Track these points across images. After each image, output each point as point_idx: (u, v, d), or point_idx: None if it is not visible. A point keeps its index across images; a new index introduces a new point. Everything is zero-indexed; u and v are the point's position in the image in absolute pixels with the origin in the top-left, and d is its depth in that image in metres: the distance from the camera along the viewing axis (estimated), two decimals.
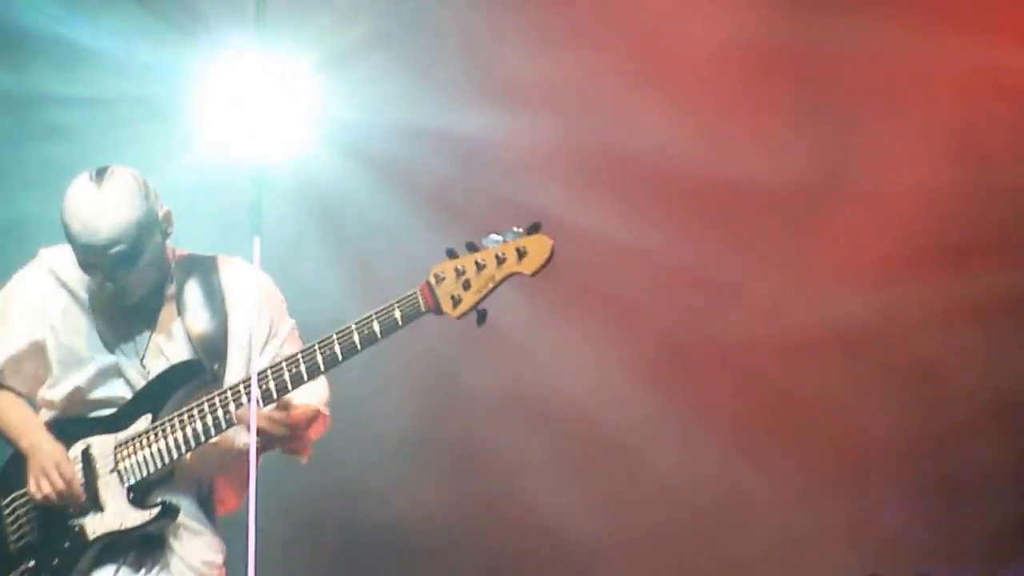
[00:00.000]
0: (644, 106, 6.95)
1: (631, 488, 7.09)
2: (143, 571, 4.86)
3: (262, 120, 6.65)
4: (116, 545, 4.84)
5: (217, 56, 6.74)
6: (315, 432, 4.92)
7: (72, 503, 4.82)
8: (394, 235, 6.88)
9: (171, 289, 4.89)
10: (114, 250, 4.69)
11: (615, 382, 7.02)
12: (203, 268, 4.93)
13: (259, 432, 4.71)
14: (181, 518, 4.84)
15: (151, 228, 4.76)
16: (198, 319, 4.86)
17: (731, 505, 6.97)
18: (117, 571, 4.84)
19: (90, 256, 4.72)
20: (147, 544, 4.85)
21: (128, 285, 4.77)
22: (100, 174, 4.74)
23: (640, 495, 7.05)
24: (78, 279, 4.90)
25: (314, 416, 4.84)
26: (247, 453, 4.85)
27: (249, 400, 4.69)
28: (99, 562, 4.84)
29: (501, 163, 7.03)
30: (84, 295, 4.91)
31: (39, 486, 4.81)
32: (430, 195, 6.93)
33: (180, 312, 4.88)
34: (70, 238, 4.74)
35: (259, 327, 4.87)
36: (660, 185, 7.00)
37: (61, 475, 4.79)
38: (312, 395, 4.86)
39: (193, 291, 4.89)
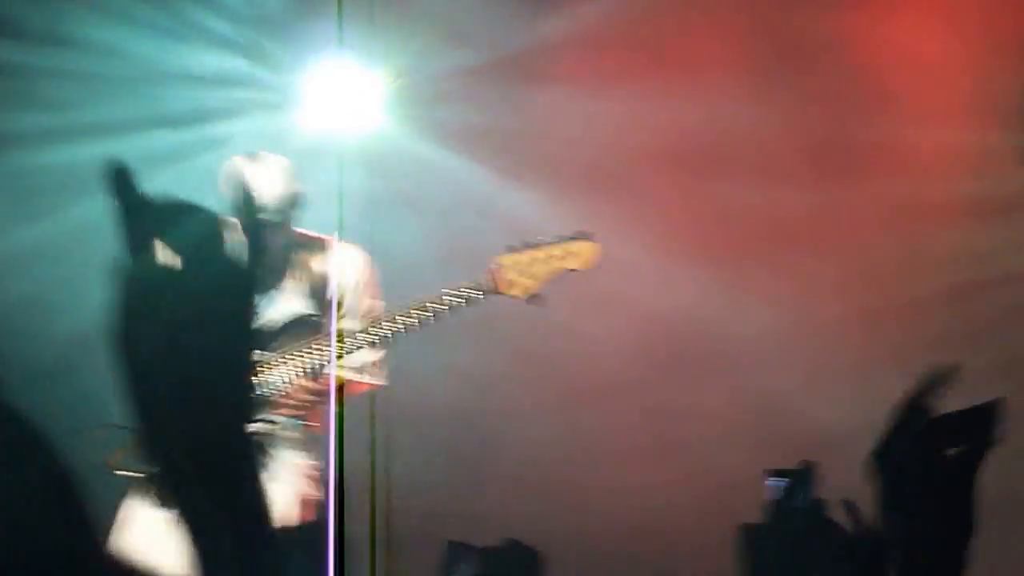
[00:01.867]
0: None
1: None
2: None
3: (345, 114, 7.21)
4: None
5: (306, 60, 7.29)
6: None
7: None
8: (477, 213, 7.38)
9: (293, 257, 5.66)
10: (269, 218, 5.55)
11: None
12: (318, 246, 5.71)
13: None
14: (279, 431, 5.51)
15: (297, 204, 5.64)
16: (311, 286, 5.64)
17: None
18: None
19: (249, 219, 5.49)
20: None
21: (268, 249, 5.54)
22: (256, 156, 5.63)
23: None
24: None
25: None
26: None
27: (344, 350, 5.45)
28: None
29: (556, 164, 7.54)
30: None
31: None
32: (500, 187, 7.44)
33: (297, 278, 5.64)
34: (238, 207, 5.51)
35: (360, 303, 5.66)
36: None
37: None
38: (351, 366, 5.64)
39: (309, 263, 5.66)
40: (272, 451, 5.51)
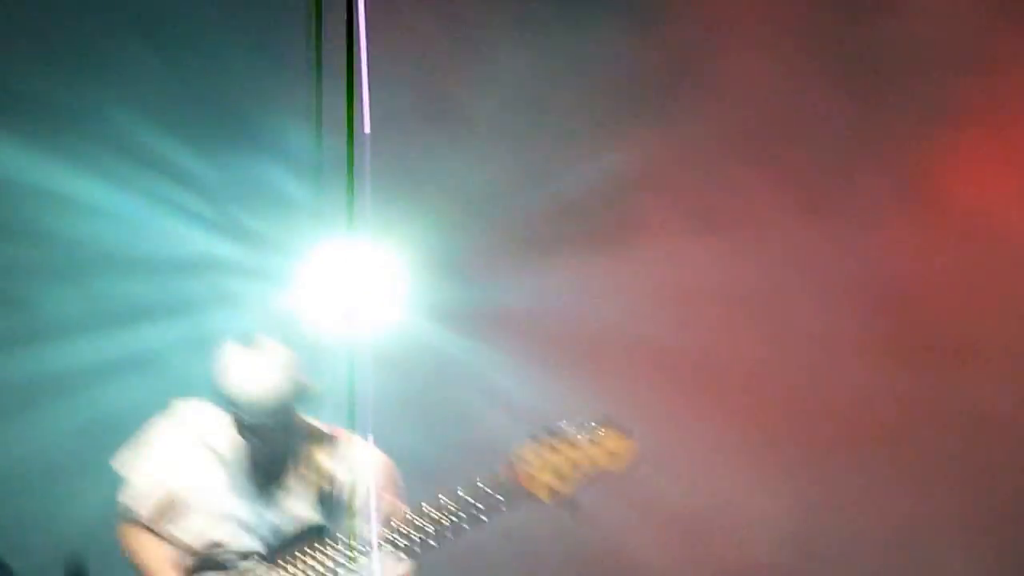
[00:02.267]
0: None
1: None
2: None
3: (356, 303, 6.87)
4: None
5: (316, 242, 6.97)
6: None
7: None
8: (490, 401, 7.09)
9: (302, 452, 5.24)
10: (272, 421, 5.10)
11: None
12: (328, 439, 5.31)
13: None
14: None
15: (300, 398, 5.17)
16: (323, 485, 5.20)
17: None
18: None
19: (253, 418, 5.09)
20: None
21: (276, 444, 5.14)
22: (255, 345, 5.17)
23: None
24: (220, 438, 5.25)
25: None
26: None
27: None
28: None
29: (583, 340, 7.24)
30: (220, 450, 5.25)
31: None
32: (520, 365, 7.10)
33: (307, 477, 5.22)
34: (233, 402, 5.12)
35: (367, 502, 5.18)
36: None
37: None
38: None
39: (320, 459, 5.23)
40: None
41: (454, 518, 4.92)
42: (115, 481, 5.38)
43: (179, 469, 5.27)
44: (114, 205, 7.10)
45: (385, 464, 5.30)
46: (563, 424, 4.89)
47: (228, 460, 5.24)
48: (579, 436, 4.85)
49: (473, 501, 4.90)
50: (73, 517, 7.05)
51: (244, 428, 5.13)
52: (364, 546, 5.00)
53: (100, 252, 7.12)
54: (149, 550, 5.27)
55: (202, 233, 7.20)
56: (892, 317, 7.28)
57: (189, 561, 5.24)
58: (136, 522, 5.30)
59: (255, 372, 5.08)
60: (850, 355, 7.27)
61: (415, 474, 5.47)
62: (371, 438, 5.25)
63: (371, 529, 5.08)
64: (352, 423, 5.88)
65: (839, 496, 7.25)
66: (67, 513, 7.13)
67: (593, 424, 4.87)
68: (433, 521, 4.95)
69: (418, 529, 4.97)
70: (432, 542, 4.95)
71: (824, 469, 7.29)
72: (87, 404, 7.06)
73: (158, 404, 5.50)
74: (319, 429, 5.31)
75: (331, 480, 5.21)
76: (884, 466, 7.26)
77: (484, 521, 4.91)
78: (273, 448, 5.16)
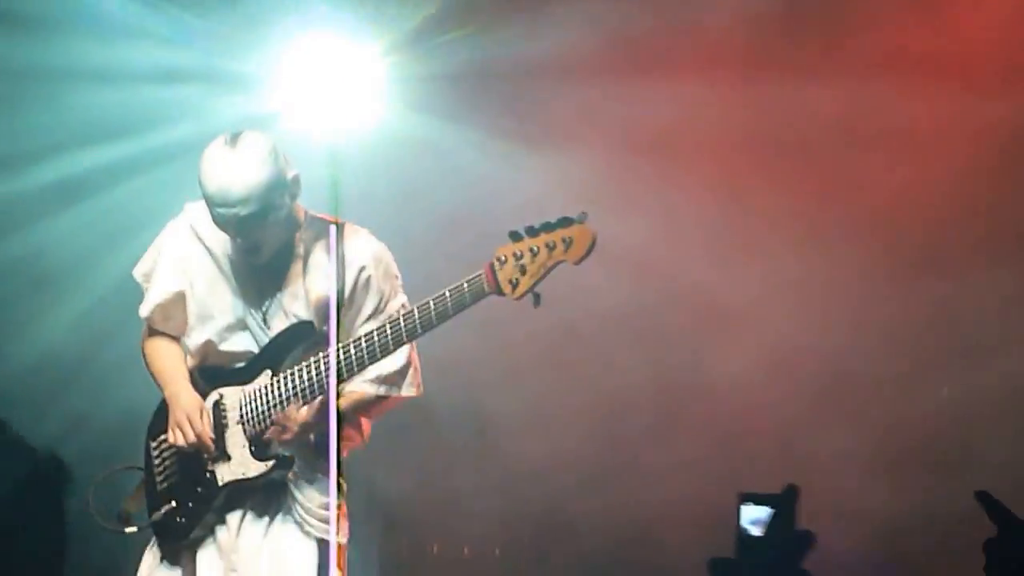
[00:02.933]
0: None
1: None
2: (267, 516, 5.25)
3: (338, 98, 6.93)
4: (242, 491, 5.24)
5: (295, 35, 6.97)
6: (375, 414, 5.34)
7: (204, 452, 5.23)
8: (468, 204, 7.09)
9: (300, 248, 5.24)
10: (244, 211, 5.00)
11: None
12: (326, 229, 5.25)
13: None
14: (298, 468, 5.20)
15: (280, 190, 5.07)
16: (318, 282, 5.21)
17: None
18: (244, 515, 5.26)
19: (223, 215, 5.04)
20: (271, 490, 5.24)
21: (258, 242, 5.10)
22: (234, 138, 5.05)
23: None
24: (215, 237, 5.24)
25: (361, 404, 5.26)
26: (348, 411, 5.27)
27: (347, 367, 5.07)
28: (229, 506, 5.25)
29: (562, 141, 7.26)
30: (219, 251, 5.27)
31: (175, 436, 5.25)
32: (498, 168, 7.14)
33: (305, 272, 5.23)
34: (206, 198, 5.07)
35: (370, 299, 5.24)
36: None
37: (193, 427, 5.20)
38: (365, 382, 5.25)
39: (319, 254, 5.23)
40: (292, 491, 5.23)
41: (432, 314, 4.92)
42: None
43: (185, 273, 5.32)
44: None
45: (382, 252, 5.31)
46: (536, 224, 4.89)
47: (225, 262, 5.28)
48: (544, 232, 4.86)
49: (448, 297, 4.92)
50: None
51: (220, 226, 5.10)
52: (359, 341, 5.05)
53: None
54: (164, 356, 5.37)
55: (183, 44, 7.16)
56: None
57: (198, 365, 5.35)
58: (152, 330, 5.40)
59: (223, 169, 5.01)
60: None
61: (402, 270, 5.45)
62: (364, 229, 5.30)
63: (362, 324, 5.17)
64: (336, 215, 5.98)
65: None
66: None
67: (556, 220, 4.86)
68: (416, 316, 4.96)
69: (394, 327, 5.00)
70: (407, 337, 4.99)
71: None
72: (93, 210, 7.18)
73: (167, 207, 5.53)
74: (322, 220, 5.30)
75: (330, 275, 5.22)
76: None
77: (451, 316, 4.93)
78: (257, 245, 5.12)
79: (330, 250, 5.23)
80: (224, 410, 5.24)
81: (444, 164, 7.25)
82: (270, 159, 5.03)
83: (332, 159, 6.40)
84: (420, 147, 7.26)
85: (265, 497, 5.25)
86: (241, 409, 5.22)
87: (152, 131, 7.08)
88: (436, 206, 7.28)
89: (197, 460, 5.27)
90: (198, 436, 5.21)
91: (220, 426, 5.25)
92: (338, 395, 5.13)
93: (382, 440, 5.61)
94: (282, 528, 5.23)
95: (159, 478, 5.34)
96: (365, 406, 5.29)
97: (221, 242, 5.26)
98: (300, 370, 5.13)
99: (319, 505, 5.21)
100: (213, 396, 5.27)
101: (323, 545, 5.22)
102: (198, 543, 5.27)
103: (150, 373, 5.40)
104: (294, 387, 5.12)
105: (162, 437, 5.33)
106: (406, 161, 7.24)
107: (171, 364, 5.34)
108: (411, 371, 5.32)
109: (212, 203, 5.03)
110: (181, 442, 5.22)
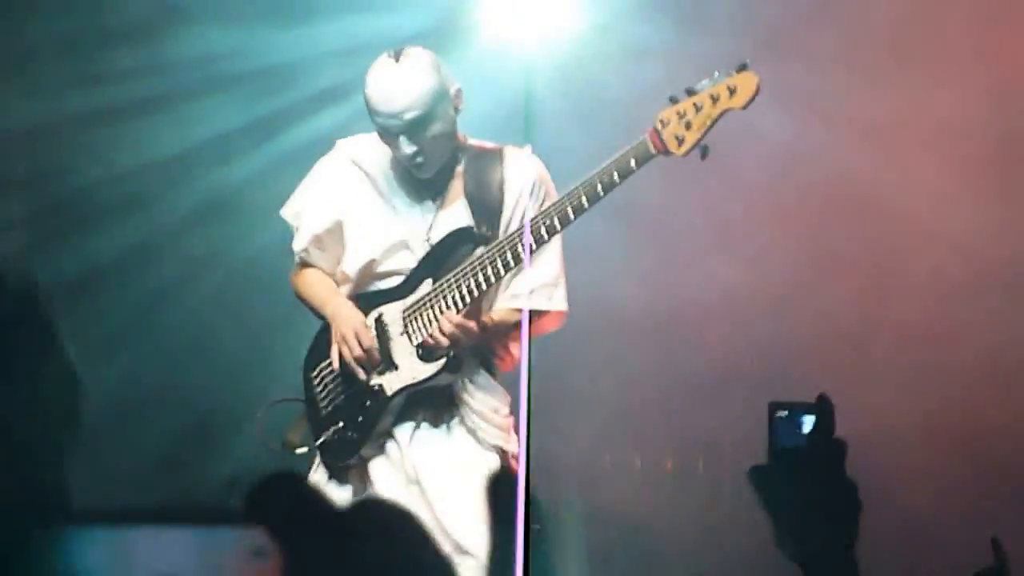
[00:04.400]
0: None
1: None
2: (441, 425, 5.35)
3: (532, 16, 6.85)
4: (414, 401, 5.34)
5: None
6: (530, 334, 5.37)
7: (370, 365, 5.33)
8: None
9: (459, 168, 5.37)
10: (409, 115, 5.18)
11: None
12: (490, 156, 5.41)
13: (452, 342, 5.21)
14: (468, 373, 5.32)
15: (443, 99, 5.24)
16: (479, 197, 5.34)
17: None
18: (417, 427, 5.37)
19: (387, 122, 5.21)
20: (442, 401, 5.35)
21: (423, 151, 5.24)
22: (398, 53, 5.27)
23: None
24: (374, 162, 5.40)
25: (507, 325, 5.35)
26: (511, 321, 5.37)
27: (513, 256, 5.16)
28: (400, 419, 5.35)
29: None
30: (379, 176, 5.41)
31: (343, 351, 5.34)
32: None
33: (465, 190, 5.35)
34: (370, 109, 5.25)
35: (532, 205, 5.33)
36: None
37: (359, 340, 5.30)
38: (518, 297, 5.36)
39: (478, 173, 5.36)
40: (463, 398, 5.33)
41: (599, 187, 5.01)
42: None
43: (342, 202, 5.42)
44: None
45: (541, 170, 5.40)
46: (697, 84, 4.99)
47: (385, 185, 5.38)
48: (710, 86, 4.96)
49: (613, 165, 5.00)
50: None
51: (384, 133, 5.23)
52: (521, 227, 5.15)
53: None
54: (317, 282, 5.47)
55: None
56: None
57: (354, 291, 5.44)
58: (305, 264, 5.51)
59: (388, 79, 5.20)
60: None
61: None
62: (529, 148, 5.41)
63: (525, 233, 5.18)
64: (529, 134, 6.07)
65: None
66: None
67: (722, 73, 4.97)
68: (576, 197, 5.04)
69: (560, 211, 5.07)
70: (573, 213, 5.05)
71: None
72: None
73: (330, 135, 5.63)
74: (482, 147, 5.41)
75: (493, 191, 5.34)
76: None
77: (617, 184, 5.01)
78: (422, 153, 5.24)
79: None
80: (385, 325, 5.33)
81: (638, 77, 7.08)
82: (432, 70, 5.23)
83: (527, 75, 6.56)
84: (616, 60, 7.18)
85: (436, 410, 5.34)
86: (404, 320, 5.31)
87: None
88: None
89: (362, 378, 5.35)
90: (365, 348, 5.30)
91: (385, 340, 5.33)
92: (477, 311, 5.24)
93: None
94: (457, 436, 5.32)
95: (323, 403, 5.42)
96: (515, 326, 5.38)
97: (380, 166, 5.41)
98: (465, 270, 5.22)
99: (491, 409, 5.31)
100: (373, 315, 5.36)
101: (502, 454, 5.31)
102: (366, 460, 5.36)
103: (305, 301, 5.51)
104: (458, 290, 5.22)
105: (324, 363, 5.42)
106: (600, 76, 7.17)
107: (326, 286, 5.46)
108: (562, 283, 5.41)
109: (377, 113, 5.22)
110: (348, 357, 5.30)
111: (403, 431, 5.33)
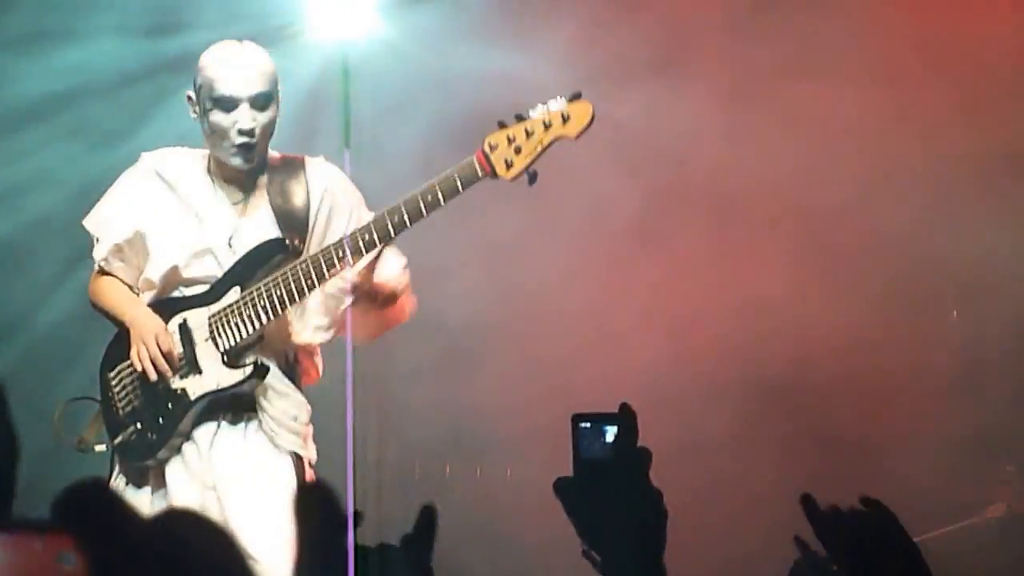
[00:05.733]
0: None
1: None
2: (240, 426, 5.29)
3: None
4: (214, 405, 5.28)
5: None
6: (404, 305, 5.38)
7: (171, 368, 5.26)
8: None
9: (263, 180, 5.36)
10: (255, 89, 5.19)
11: None
12: (292, 165, 5.40)
13: (353, 288, 5.19)
14: (270, 380, 5.26)
15: (276, 90, 5.28)
16: (284, 207, 5.31)
17: None
18: (218, 428, 5.30)
19: (233, 92, 5.18)
20: (241, 404, 5.30)
21: (257, 129, 5.21)
22: (239, 41, 5.28)
23: None
24: (177, 171, 5.37)
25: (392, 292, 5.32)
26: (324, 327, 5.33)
27: (327, 267, 5.14)
28: (199, 421, 5.28)
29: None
30: (181, 184, 5.36)
31: (140, 355, 5.26)
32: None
33: (271, 200, 5.33)
34: (208, 87, 5.21)
35: (338, 217, 5.34)
36: None
37: (159, 344, 5.23)
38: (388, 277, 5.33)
39: (283, 183, 5.34)
40: (262, 403, 5.28)
41: (419, 205, 5.00)
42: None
43: (144, 212, 5.37)
44: None
45: (340, 174, 5.42)
46: (529, 110, 4.97)
47: (188, 194, 5.35)
48: (542, 113, 4.94)
49: (438, 185, 4.99)
50: None
51: (226, 112, 5.18)
52: (341, 242, 5.12)
53: None
54: (115, 289, 5.40)
55: None
56: None
57: (157, 297, 5.39)
58: (103, 272, 5.44)
59: (238, 53, 5.23)
60: None
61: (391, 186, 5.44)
62: (323, 157, 5.43)
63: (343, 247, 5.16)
64: (346, 134, 6.09)
65: None
66: None
67: (554, 100, 4.95)
68: (405, 210, 5.03)
69: (390, 220, 5.06)
70: (393, 231, 5.04)
71: None
72: None
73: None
74: (283, 157, 5.41)
75: (296, 198, 5.31)
76: None
77: (442, 205, 5.00)
78: (260, 138, 5.23)
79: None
80: (189, 331, 5.28)
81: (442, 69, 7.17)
82: (272, 70, 5.28)
83: (343, 74, 6.60)
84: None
85: (235, 413, 5.29)
86: (210, 326, 5.26)
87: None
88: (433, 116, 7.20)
89: (162, 381, 5.28)
90: (165, 351, 5.23)
91: (189, 345, 5.27)
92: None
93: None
94: (255, 440, 5.27)
95: (121, 403, 5.35)
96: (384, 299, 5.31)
97: (183, 175, 5.37)
98: (277, 280, 5.18)
99: (290, 418, 5.26)
100: (176, 320, 5.31)
101: (296, 460, 5.26)
102: (163, 463, 5.29)
103: (101, 310, 5.43)
104: (268, 299, 5.18)
105: (124, 364, 5.35)
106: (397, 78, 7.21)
107: (126, 293, 5.39)
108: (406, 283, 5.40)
109: (221, 86, 5.19)
110: (146, 361, 5.23)
111: (203, 434, 5.28)
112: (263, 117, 5.22)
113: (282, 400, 5.30)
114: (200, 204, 5.34)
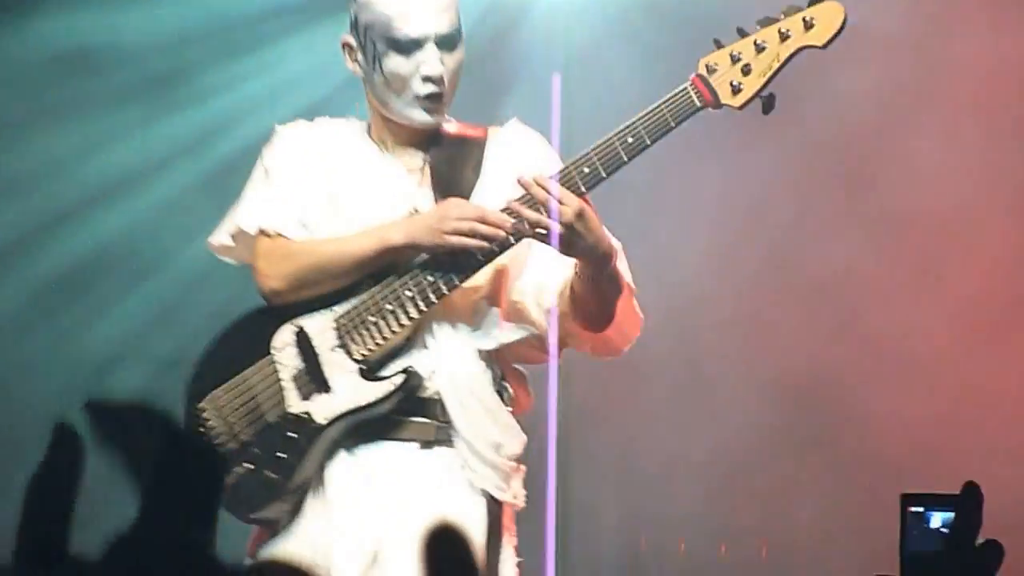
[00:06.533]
0: None
1: None
2: (403, 455, 4.24)
3: None
4: (354, 429, 4.27)
5: None
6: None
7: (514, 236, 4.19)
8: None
9: (429, 156, 4.45)
10: (443, 28, 4.35)
11: None
12: (467, 140, 4.49)
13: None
14: (472, 388, 4.21)
15: (462, 30, 4.44)
16: (444, 183, 4.41)
17: None
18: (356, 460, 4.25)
19: (417, 30, 4.33)
20: (388, 427, 4.25)
21: (444, 79, 4.33)
22: None
23: None
24: (334, 144, 4.50)
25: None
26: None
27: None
28: (333, 450, 4.28)
29: None
30: (346, 159, 4.48)
31: (467, 239, 4.16)
32: None
33: (433, 177, 4.44)
34: (391, 24, 4.33)
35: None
36: None
37: (467, 214, 4.18)
38: None
39: (449, 160, 4.47)
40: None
41: (617, 150, 4.18)
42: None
43: (306, 194, 4.45)
44: None
45: (541, 143, 4.47)
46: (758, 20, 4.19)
47: (363, 168, 4.48)
48: (775, 21, 4.15)
49: (642, 123, 4.17)
50: None
51: (407, 55, 4.32)
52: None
53: None
54: (327, 242, 4.42)
55: None
56: None
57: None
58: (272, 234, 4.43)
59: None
60: None
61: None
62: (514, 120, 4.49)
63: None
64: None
65: None
66: None
67: (789, 6, 4.16)
68: (612, 147, 4.18)
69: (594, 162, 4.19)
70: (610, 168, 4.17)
71: None
72: None
73: None
74: (459, 128, 4.49)
75: (463, 178, 4.42)
76: None
77: (648, 146, 4.18)
78: (448, 85, 4.35)
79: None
80: (309, 340, 4.32)
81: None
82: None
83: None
84: None
85: (384, 435, 4.27)
86: (339, 331, 4.30)
87: None
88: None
89: (273, 405, 4.32)
90: (495, 221, 4.16)
91: (310, 359, 4.29)
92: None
93: None
94: (432, 471, 4.26)
95: (220, 438, 4.40)
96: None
97: (345, 146, 4.45)
98: (427, 263, 4.23)
99: (490, 444, 4.25)
100: (289, 329, 4.32)
101: (492, 503, 4.25)
102: (292, 513, 4.27)
103: (314, 268, 4.35)
104: (417, 286, 4.22)
105: (218, 391, 4.38)
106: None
107: (347, 235, 4.37)
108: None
109: (401, 24, 4.31)
110: (484, 230, 4.16)
111: (342, 468, 4.24)
112: (451, 60, 4.38)
113: (485, 418, 4.25)
114: (371, 176, 4.44)
